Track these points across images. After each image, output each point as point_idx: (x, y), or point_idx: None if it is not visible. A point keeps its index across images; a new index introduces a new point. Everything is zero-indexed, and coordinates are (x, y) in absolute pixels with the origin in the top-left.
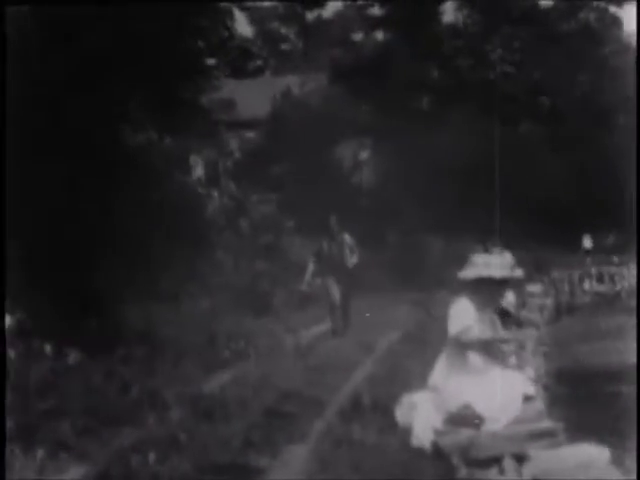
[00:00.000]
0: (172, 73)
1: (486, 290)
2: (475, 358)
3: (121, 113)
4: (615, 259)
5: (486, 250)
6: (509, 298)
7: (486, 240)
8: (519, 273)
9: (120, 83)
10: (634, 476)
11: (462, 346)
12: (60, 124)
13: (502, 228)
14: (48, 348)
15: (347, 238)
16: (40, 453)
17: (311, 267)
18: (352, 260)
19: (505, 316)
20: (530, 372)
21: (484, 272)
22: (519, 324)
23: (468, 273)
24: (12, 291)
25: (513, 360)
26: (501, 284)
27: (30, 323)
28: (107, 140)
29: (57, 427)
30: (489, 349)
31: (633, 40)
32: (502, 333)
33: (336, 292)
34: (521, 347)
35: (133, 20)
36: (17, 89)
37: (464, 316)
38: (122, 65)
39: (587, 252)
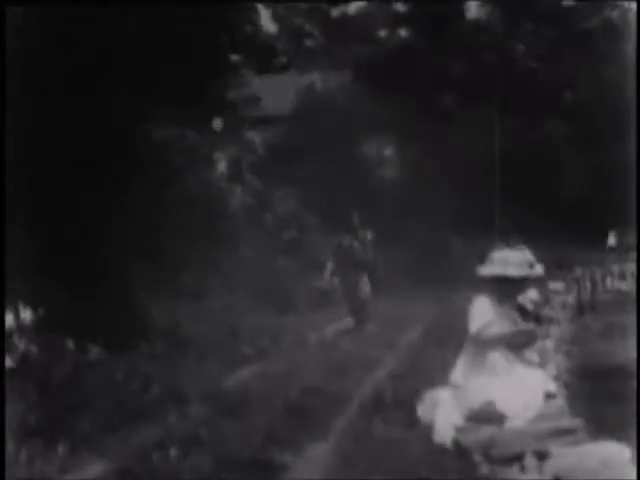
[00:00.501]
0: (197, 69)
1: (505, 287)
2: (496, 355)
3: (146, 109)
4: (634, 256)
5: (508, 246)
6: (532, 295)
7: (508, 237)
8: (539, 270)
9: (145, 79)
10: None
11: (483, 343)
12: (84, 120)
13: (525, 225)
14: (70, 344)
15: (368, 235)
16: (61, 449)
17: (330, 265)
18: (372, 256)
19: (524, 313)
20: (552, 369)
21: (503, 270)
22: (540, 321)
23: (487, 270)
24: (34, 287)
25: (535, 357)
26: (521, 281)
27: (52, 319)
28: (131, 136)
29: (79, 423)
30: (510, 345)
31: None
32: (522, 327)
33: (366, 287)
34: (543, 344)
35: (159, 16)
36: (39, 79)
37: (484, 314)
38: (148, 61)
39: (612, 249)
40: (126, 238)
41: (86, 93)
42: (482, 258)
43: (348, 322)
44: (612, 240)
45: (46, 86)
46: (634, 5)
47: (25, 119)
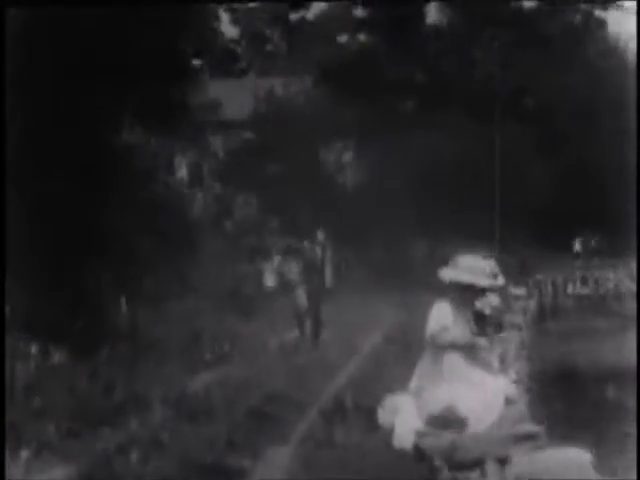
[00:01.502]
0: (158, 74)
1: (466, 293)
2: (456, 360)
3: (107, 115)
4: (598, 262)
5: (473, 252)
6: (492, 300)
7: (472, 242)
8: (501, 282)
9: (106, 85)
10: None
11: (437, 348)
12: (49, 126)
13: (486, 231)
14: (34, 348)
15: (319, 236)
16: (25, 453)
17: (276, 262)
18: (323, 259)
19: (481, 319)
20: (512, 374)
21: (465, 278)
22: (500, 327)
23: (449, 274)
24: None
25: (495, 362)
26: (481, 290)
27: (16, 323)
28: (94, 141)
29: (42, 427)
30: (467, 352)
31: (618, 42)
32: (477, 337)
33: (302, 297)
34: (503, 349)
35: (118, 22)
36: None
37: (440, 318)
38: (108, 67)
39: (577, 255)
40: (89, 242)
41: (51, 99)
42: (444, 262)
43: (294, 331)
44: (578, 246)
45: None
46: (634, 5)
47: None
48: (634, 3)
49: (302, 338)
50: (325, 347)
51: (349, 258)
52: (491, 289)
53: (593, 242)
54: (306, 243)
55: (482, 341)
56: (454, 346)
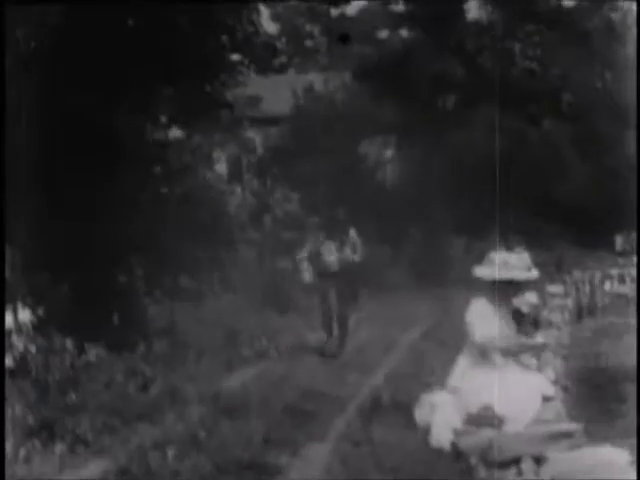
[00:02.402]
0: (197, 69)
1: (503, 290)
2: (495, 359)
3: (145, 108)
4: (635, 260)
5: (508, 248)
6: (530, 298)
7: (508, 239)
8: (534, 274)
9: (145, 79)
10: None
11: (484, 350)
12: (84, 120)
13: (524, 228)
14: (69, 344)
15: (352, 234)
16: (60, 448)
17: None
18: (354, 258)
19: (520, 317)
20: (549, 373)
21: (501, 272)
22: (537, 325)
23: (484, 271)
24: (33, 287)
25: (533, 361)
26: (517, 284)
27: (51, 319)
28: (131, 136)
29: (77, 423)
30: (509, 351)
31: None
32: (522, 338)
33: (333, 299)
34: (541, 348)
35: (158, 16)
36: (42, 85)
37: (484, 320)
38: (147, 61)
39: (619, 253)
40: (125, 238)
41: (88, 92)
42: (480, 259)
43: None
44: (619, 244)
45: (49, 84)
46: (634, 5)
47: (26, 117)
48: (634, 3)
49: (329, 340)
50: (362, 344)
51: (385, 255)
52: (527, 282)
53: (631, 240)
54: (326, 240)
55: (527, 341)
56: (507, 352)
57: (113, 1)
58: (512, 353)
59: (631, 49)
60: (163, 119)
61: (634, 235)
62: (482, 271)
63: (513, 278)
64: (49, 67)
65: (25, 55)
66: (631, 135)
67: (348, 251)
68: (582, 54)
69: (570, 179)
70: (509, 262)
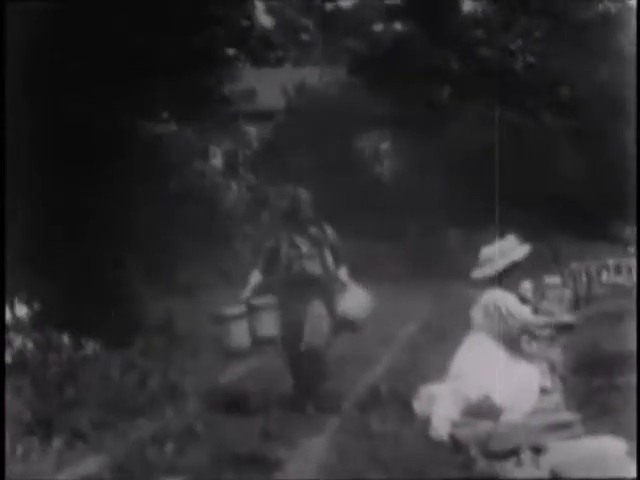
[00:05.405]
0: (192, 63)
1: (504, 279)
2: (493, 349)
3: (140, 103)
4: (632, 250)
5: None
6: (525, 286)
7: (505, 230)
8: (527, 247)
9: (139, 73)
10: None
11: (525, 330)
12: (79, 116)
13: (521, 220)
14: (66, 339)
15: (329, 232)
16: (57, 443)
17: (255, 277)
18: (338, 271)
19: (525, 304)
20: (547, 363)
21: (501, 263)
22: (537, 313)
23: (480, 272)
24: (29, 283)
25: (532, 350)
26: (519, 265)
27: (47, 314)
28: (128, 131)
29: (74, 418)
30: (540, 331)
31: None
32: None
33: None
34: (538, 337)
35: (152, 9)
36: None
37: (519, 303)
38: (141, 55)
39: (616, 244)
40: (122, 233)
41: (83, 88)
42: (478, 252)
43: None
44: (616, 235)
45: (44, 83)
46: (634, 3)
47: (24, 116)
48: (634, 3)
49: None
50: (360, 337)
51: (382, 248)
52: (519, 260)
53: (627, 231)
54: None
55: (557, 319)
56: (540, 330)
57: None
58: (540, 334)
59: (630, 42)
60: (159, 114)
61: (631, 226)
62: (480, 272)
63: (514, 260)
64: (44, 63)
65: (21, 52)
66: (629, 127)
67: (328, 257)
68: (580, 47)
69: (567, 171)
70: (501, 250)
